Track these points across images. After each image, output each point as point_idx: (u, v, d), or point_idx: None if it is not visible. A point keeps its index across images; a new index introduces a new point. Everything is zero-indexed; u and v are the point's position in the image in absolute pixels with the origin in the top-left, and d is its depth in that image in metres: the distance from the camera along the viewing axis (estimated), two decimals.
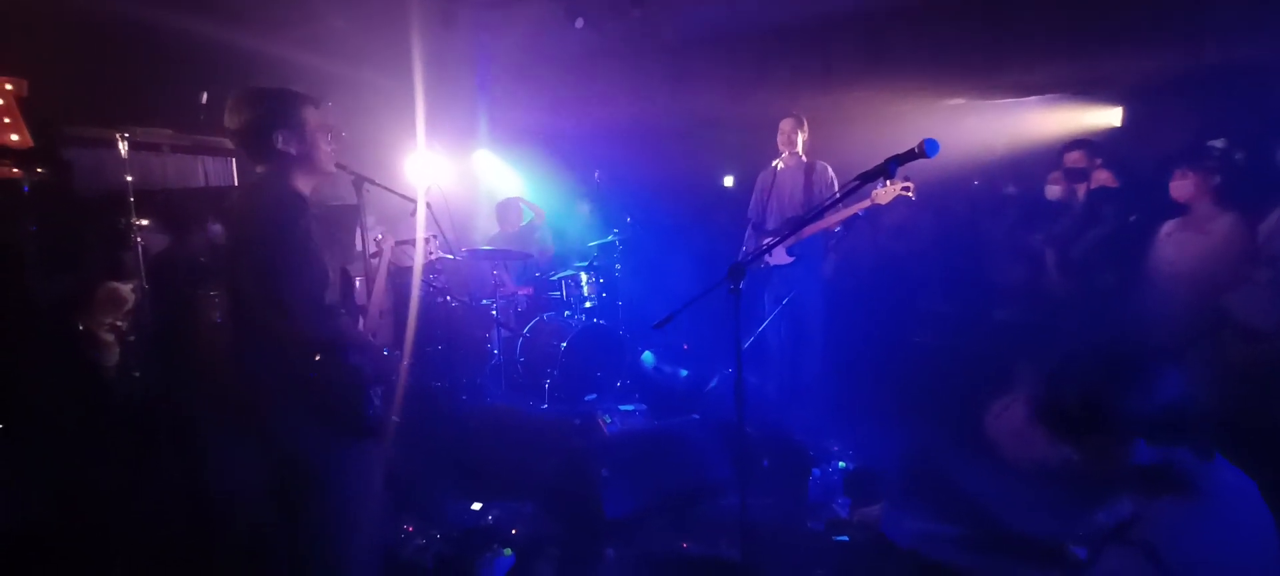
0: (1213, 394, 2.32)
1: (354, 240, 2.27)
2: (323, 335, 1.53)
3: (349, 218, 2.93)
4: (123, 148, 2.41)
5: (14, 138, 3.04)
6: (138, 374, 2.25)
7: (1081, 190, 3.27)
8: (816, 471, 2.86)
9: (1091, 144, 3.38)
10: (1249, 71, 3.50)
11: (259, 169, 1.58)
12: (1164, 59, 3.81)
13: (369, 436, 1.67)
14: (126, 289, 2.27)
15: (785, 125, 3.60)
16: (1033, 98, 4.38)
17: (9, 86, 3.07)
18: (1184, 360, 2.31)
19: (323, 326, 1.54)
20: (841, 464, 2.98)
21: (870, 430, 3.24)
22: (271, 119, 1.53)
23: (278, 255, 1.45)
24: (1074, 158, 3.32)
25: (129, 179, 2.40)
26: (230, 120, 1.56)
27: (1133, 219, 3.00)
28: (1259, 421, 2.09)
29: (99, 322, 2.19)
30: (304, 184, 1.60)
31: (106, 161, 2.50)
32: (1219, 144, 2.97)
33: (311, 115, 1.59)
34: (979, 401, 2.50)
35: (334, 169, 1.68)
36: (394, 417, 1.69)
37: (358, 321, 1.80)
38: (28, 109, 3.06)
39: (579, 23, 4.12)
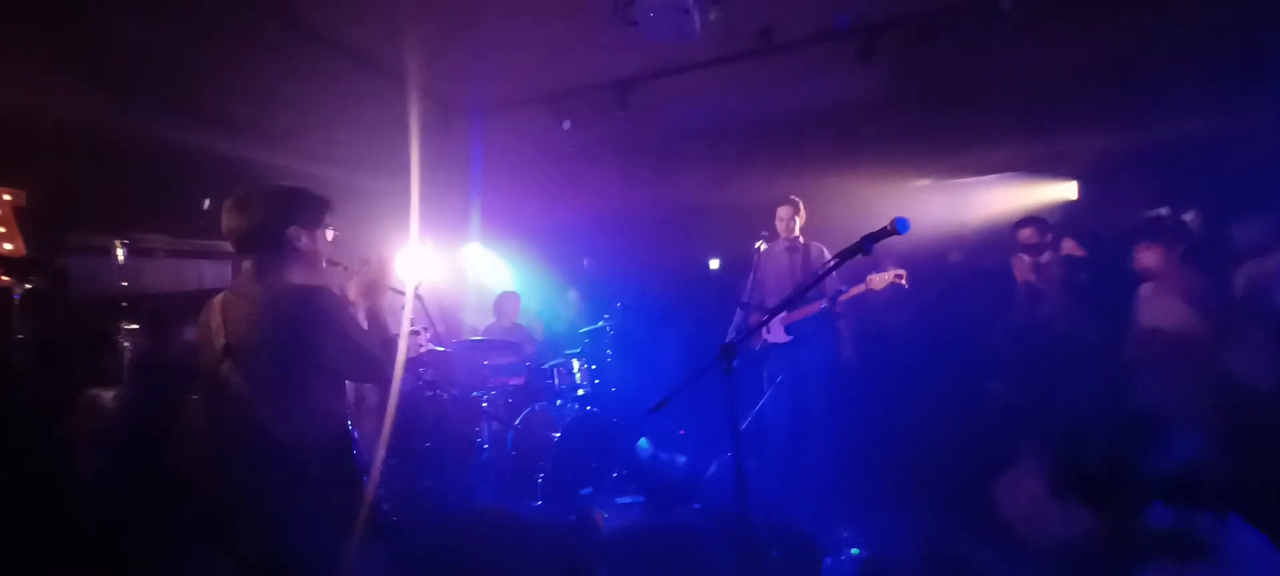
0: (1222, 454, 2.31)
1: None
2: (334, 428, 1.54)
3: None
4: (120, 254, 2.44)
5: (7, 247, 3.08)
6: (114, 481, 2.14)
7: (1041, 262, 3.39)
8: (828, 560, 2.72)
9: (1042, 220, 3.55)
10: (1193, 146, 3.78)
11: (251, 264, 1.58)
12: (1113, 137, 4.12)
13: (375, 536, 1.62)
14: (107, 395, 2.21)
15: (784, 211, 3.65)
16: (993, 176, 4.66)
17: (7, 197, 3.15)
18: (1191, 422, 2.32)
19: (333, 418, 1.55)
20: (854, 551, 2.84)
21: (880, 514, 3.12)
22: (288, 213, 1.59)
23: (301, 348, 1.49)
24: (1027, 234, 3.48)
25: (124, 285, 2.40)
26: (237, 218, 1.57)
27: (1084, 278, 3.11)
28: (1270, 477, 2.06)
29: (78, 430, 2.11)
30: (300, 277, 1.62)
31: (102, 268, 2.52)
32: (1165, 212, 3.14)
33: (325, 213, 1.67)
34: (989, 477, 2.44)
35: (325, 266, 1.72)
36: (394, 518, 1.65)
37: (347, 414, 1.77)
38: (28, 218, 3.12)
39: (567, 125, 4.37)
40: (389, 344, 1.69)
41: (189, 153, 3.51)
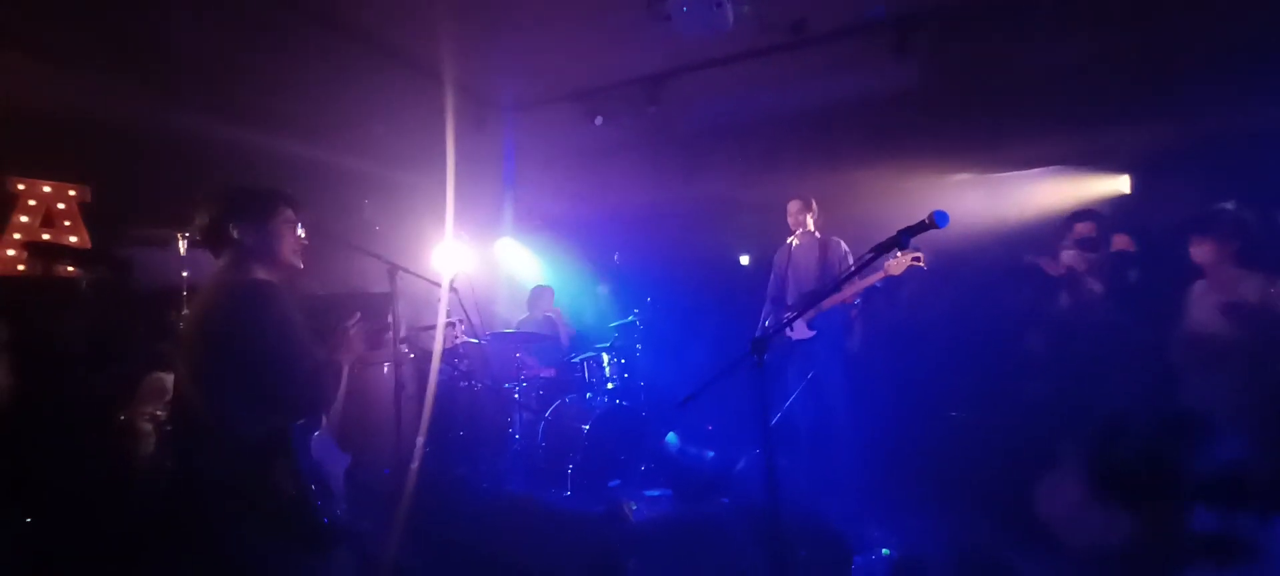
0: (1270, 457, 2.21)
1: (386, 327, 2.35)
2: (268, 432, 1.48)
3: (381, 305, 3.04)
4: (182, 246, 2.58)
5: (73, 239, 3.29)
6: (171, 464, 2.27)
7: (1092, 257, 3.27)
8: (859, 559, 2.70)
9: (1098, 215, 3.43)
10: (1246, 139, 3.59)
11: (219, 261, 1.60)
12: (1162, 131, 3.94)
13: (328, 547, 1.56)
14: (170, 379, 2.34)
15: (793, 206, 3.73)
16: (1037, 170, 4.51)
17: (72, 192, 3.36)
18: (1241, 424, 2.22)
19: (266, 422, 1.48)
20: (885, 551, 2.82)
21: (911, 513, 3.08)
22: (229, 211, 1.58)
23: (223, 347, 1.46)
24: (1084, 228, 3.36)
25: (185, 275, 2.54)
26: (196, 217, 1.60)
27: (1134, 275, 2.98)
28: None
29: (140, 413, 2.25)
30: (264, 274, 1.60)
31: (163, 259, 2.66)
32: (1230, 206, 2.98)
33: (277, 208, 1.64)
34: (1024, 479, 2.38)
35: (299, 263, 1.68)
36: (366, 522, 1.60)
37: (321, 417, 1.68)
38: (92, 213, 3.32)
39: (599, 121, 4.41)
40: (323, 365, 1.59)
41: (242, 150, 3.68)
